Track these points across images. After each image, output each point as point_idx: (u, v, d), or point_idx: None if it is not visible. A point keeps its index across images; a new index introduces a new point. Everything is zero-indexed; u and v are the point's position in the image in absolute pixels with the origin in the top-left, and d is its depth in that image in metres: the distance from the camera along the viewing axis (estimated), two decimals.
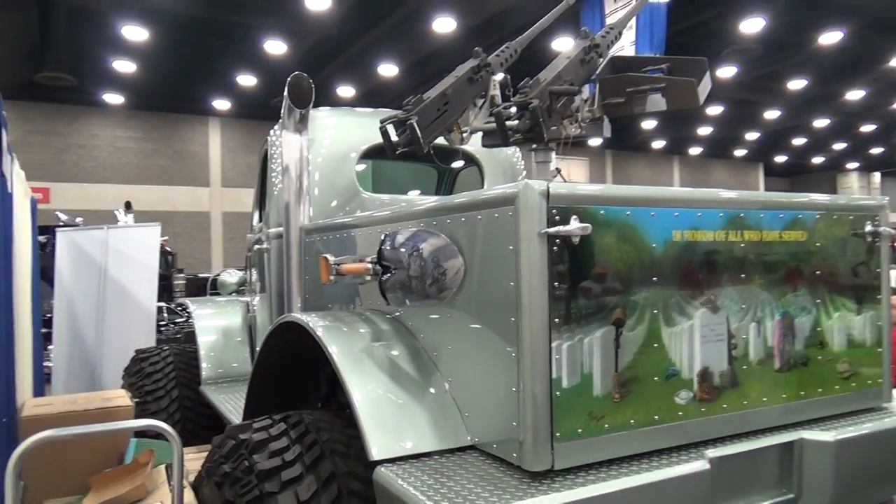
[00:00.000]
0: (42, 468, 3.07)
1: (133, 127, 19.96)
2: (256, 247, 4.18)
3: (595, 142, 26.39)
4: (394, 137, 2.56)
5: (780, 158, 31.52)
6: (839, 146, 28.75)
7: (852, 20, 13.91)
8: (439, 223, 2.13)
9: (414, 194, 4.47)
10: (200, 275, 15.02)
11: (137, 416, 3.72)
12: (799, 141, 27.66)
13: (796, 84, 18.65)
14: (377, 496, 1.87)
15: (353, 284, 2.78)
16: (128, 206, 10.75)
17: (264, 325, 4.02)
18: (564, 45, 12.89)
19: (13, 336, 3.39)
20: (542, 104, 2.25)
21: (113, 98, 18.63)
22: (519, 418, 1.78)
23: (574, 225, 1.76)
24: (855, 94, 19.76)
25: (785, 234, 2.23)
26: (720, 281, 2.09)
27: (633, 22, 11.98)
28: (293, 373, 2.97)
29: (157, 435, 3.70)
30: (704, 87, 2.58)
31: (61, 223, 9.82)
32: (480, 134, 2.85)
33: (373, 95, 17.56)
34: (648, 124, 23.57)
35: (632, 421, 1.90)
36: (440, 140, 2.74)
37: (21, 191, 4.81)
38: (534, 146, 2.62)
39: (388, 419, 2.01)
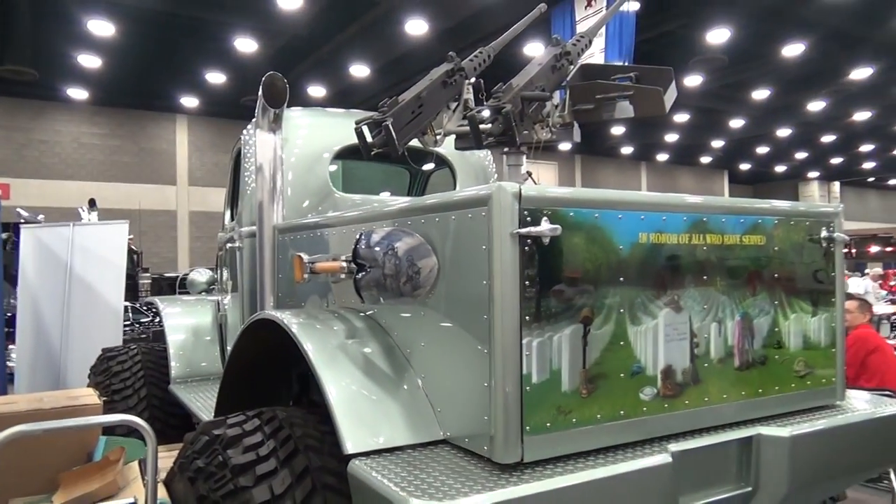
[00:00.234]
0: (8, 467, 3.03)
1: (98, 123, 19.62)
2: (228, 245, 4.18)
3: (565, 146, 26.70)
4: (369, 138, 2.61)
5: (745, 166, 32.24)
6: (801, 155, 29.50)
7: (813, 33, 14.32)
8: (414, 223, 2.18)
9: (385, 195, 4.50)
10: (167, 274, 14.85)
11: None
12: (762, 149, 28.33)
13: (760, 94, 19.13)
14: (352, 489, 1.91)
15: (325, 283, 2.81)
16: (92, 203, 10.59)
17: (235, 324, 4.02)
18: (536, 50, 13.04)
19: None
20: (514, 109, 2.31)
21: (77, 93, 18.29)
22: (490, 413, 1.84)
23: (545, 226, 1.83)
24: (816, 105, 20.32)
25: (745, 239, 2.32)
26: (683, 282, 2.18)
27: (602, 30, 12.18)
28: (265, 371, 2.99)
29: (127, 434, 3.70)
30: (670, 96, 2.68)
31: (22, 220, 9.64)
32: (454, 136, 2.90)
33: (344, 96, 17.53)
34: (617, 130, 23.92)
35: (598, 416, 1.97)
36: (414, 142, 2.79)
37: None
38: (506, 150, 2.68)
39: (361, 414, 2.05)
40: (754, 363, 2.35)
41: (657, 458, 1.96)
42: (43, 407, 3.41)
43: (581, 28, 12.21)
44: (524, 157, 2.77)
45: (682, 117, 21.92)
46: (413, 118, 2.61)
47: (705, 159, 30.83)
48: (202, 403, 3.94)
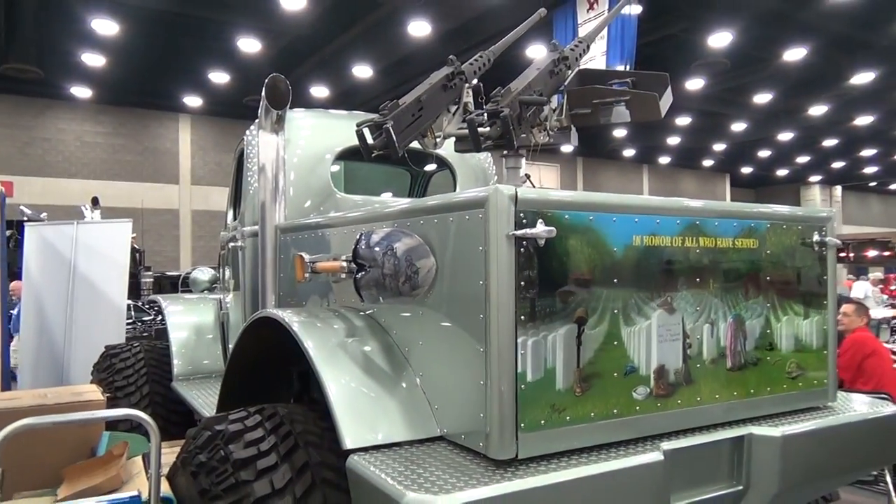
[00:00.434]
0: (13, 463, 3.08)
1: (102, 122, 19.67)
2: (231, 245, 4.23)
3: (566, 149, 26.72)
4: (370, 140, 2.65)
5: (746, 170, 32.25)
6: (803, 159, 29.51)
7: (816, 37, 14.35)
8: (413, 224, 2.23)
9: (386, 196, 4.55)
10: (169, 273, 14.89)
11: None
12: (764, 153, 28.35)
13: (762, 98, 19.16)
14: (350, 483, 1.96)
15: (326, 282, 2.86)
16: (94, 201, 10.64)
17: (237, 323, 4.06)
18: (538, 52, 13.07)
19: None
20: (512, 113, 2.36)
21: (81, 92, 18.35)
22: (486, 410, 1.88)
23: (540, 228, 1.87)
24: (818, 110, 20.34)
25: (738, 242, 2.37)
26: (677, 284, 2.22)
27: (604, 32, 12.21)
28: (266, 369, 3.04)
29: (130, 429, 3.75)
30: (666, 101, 2.72)
31: (26, 218, 9.69)
32: (453, 139, 2.95)
33: (347, 96, 17.58)
34: (619, 133, 23.95)
35: (592, 414, 2.02)
36: (415, 144, 2.84)
37: None
38: (504, 153, 2.73)
39: (361, 411, 2.10)
40: (746, 364, 2.39)
41: (649, 456, 2.00)
42: (47, 403, 3.47)
43: (583, 31, 12.27)
44: (523, 160, 2.81)
45: (683, 120, 21.95)
46: (413, 121, 2.66)
47: (707, 163, 30.85)
48: (204, 400, 3.99)
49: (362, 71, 16.14)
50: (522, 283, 1.89)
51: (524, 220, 1.89)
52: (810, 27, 13.75)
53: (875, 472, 4.97)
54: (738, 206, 2.42)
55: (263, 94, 3.34)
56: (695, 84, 17.21)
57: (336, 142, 3.94)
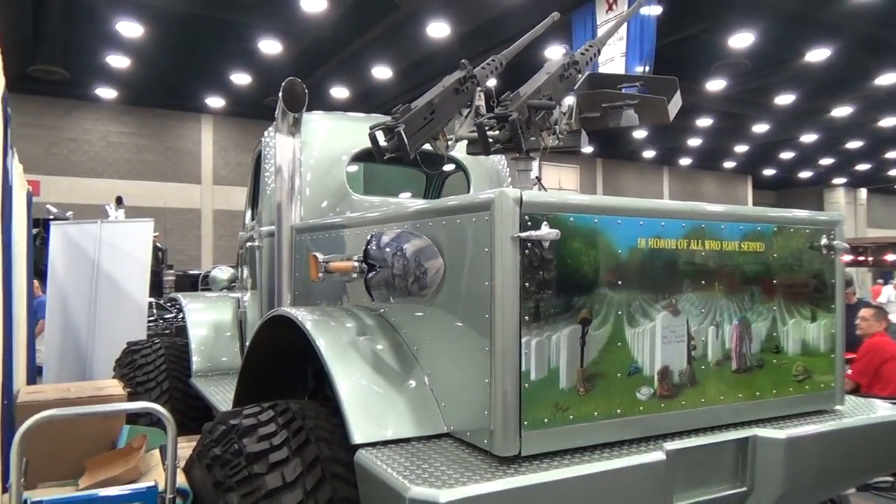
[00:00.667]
0: (36, 455, 3.18)
1: (126, 122, 20.00)
2: (248, 244, 4.31)
3: (586, 150, 26.65)
4: (382, 143, 2.71)
5: (769, 172, 31.93)
6: (826, 161, 29.17)
7: (840, 38, 14.19)
8: (422, 225, 2.28)
9: (405, 197, 4.62)
10: (190, 272, 15.10)
11: None
12: (786, 155, 28.06)
13: (784, 99, 18.97)
14: (358, 477, 2.02)
15: (340, 282, 2.92)
16: (119, 201, 10.83)
17: (254, 321, 4.14)
18: (555, 54, 13.08)
19: (12, 325, 3.50)
20: (521, 117, 2.40)
21: (106, 93, 18.67)
22: (490, 408, 1.93)
23: (545, 230, 1.92)
24: (842, 111, 20.10)
25: (744, 245, 2.39)
26: (681, 286, 2.25)
27: (623, 33, 12.20)
28: (281, 366, 3.10)
29: (150, 423, 3.84)
30: (675, 105, 2.75)
31: (52, 216, 9.90)
32: (465, 142, 3.00)
33: (366, 98, 17.72)
34: (639, 134, 23.84)
35: (595, 413, 2.06)
36: (427, 146, 2.89)
37: (18, 184, 4.92)
38: (515, 156, 2.77)
39: (370, 407, 2.16)
40: (752, 366, 2.41)
41: (651, 456, 2.03)
42: (70, 396, 3.57)
43: (602, 32, 12.25)
44: (534, 163, 2.86)
45: (704, 122, 21.80)
46: (425, 124, 2.71)
47: (728, 164, 30.60)
48: (221, 396, 4.07)
49: (381, 72, 16.25)
50: (527, 284, 1.93)
51: (529, 223, 1.93)
52: (833, 27, 13.60)
53: (893, 479, 4.94)
54: (744, 209, 2.44)
55: (280, 96, 3.41)
56: (716, 85, 17.09)
57: (352, 144, 4.01)
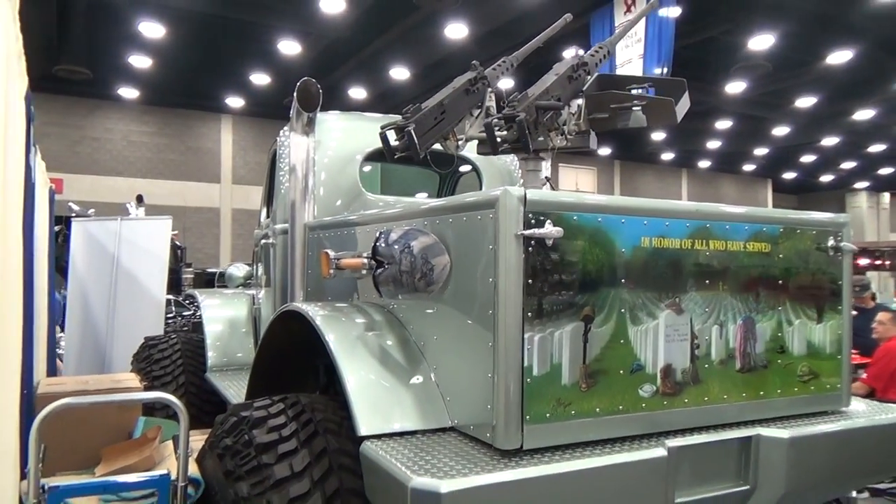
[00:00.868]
0: (55, 445, 3.27)
1: (147, 122, 20.26)
2: (263, 242, 4.38)
3: (604, 152, 26.57)
4: (393, 143, 2.76)
5: (789, 175, 31.60)
6: (848, 165, 28.80)
7: (862, 40, 14.04)
8: (429, 223, 2.32)
9: (421, 196, 4.67)
10: (209, 270, 15.28)
11: None
12: (807, 158, 27.74)
13: (805, 102, 18.78)
14: (363, 468, 2.06)
15: (351, 279, 2.97)
16: (139, 199, 10.99)
17: (268, 317, 4.21)
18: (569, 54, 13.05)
19: (33, 317, 3.60)
20: (528, 117, 2.44)
21: (128, 92, 18.93)
22: (493, 402, 1.97)
23: (548, 228, 1.95)
24: (864, 114, 19.85)
25: (749, 246, 2.41)
26: (685, 285, 2.27)
27: (641, 35, 12.16)
28: (294, 362, 3.16)
29: (166, 417, 3.92)
30: (682, 107, 2.77)
31: (74, 214, 10.07)
32: (476, 142, 3.04)
33: (384, 98, 17.81)
34: (658, 136, 23.72)
35: (597, 409, 2.09)
36: (438, 146, 2.93)
37: (41, 181, 5.04)
38: (524, 156, 2.81)
39: (376, 401, 2.20)
40: (756, 366, 2.43)
41: (652, 452, 2.06)
42: (88, 388, 3.66)
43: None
44: (543, 163, 2.89)
45: (724, 124, 21.64)
46: (435, 124, 2.76)
47: (748, 167, 30.32)
48: (235, 391, 4.14)
49: (399, 73, 16.33)
50: (530, 281, 1.97)
51: (533, 221, 1.97)
52: (856, 29, 13.45)
53: None
54: (749, 210, 2.46)
55: (295, 96, 3.47)
56: (735, 87, 16.98)
57: (366, 143, 4.06)
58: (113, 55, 15.51)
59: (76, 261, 7.03)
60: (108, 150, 19.74)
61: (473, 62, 2.99)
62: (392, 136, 2.77)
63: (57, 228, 8.51)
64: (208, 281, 12.78)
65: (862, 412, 2.64)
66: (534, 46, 3.45)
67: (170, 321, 9.17)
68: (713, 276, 2.33)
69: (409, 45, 14.59)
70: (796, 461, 2.30)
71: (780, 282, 2.49)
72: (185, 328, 7.72)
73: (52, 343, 6.20)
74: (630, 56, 12.38)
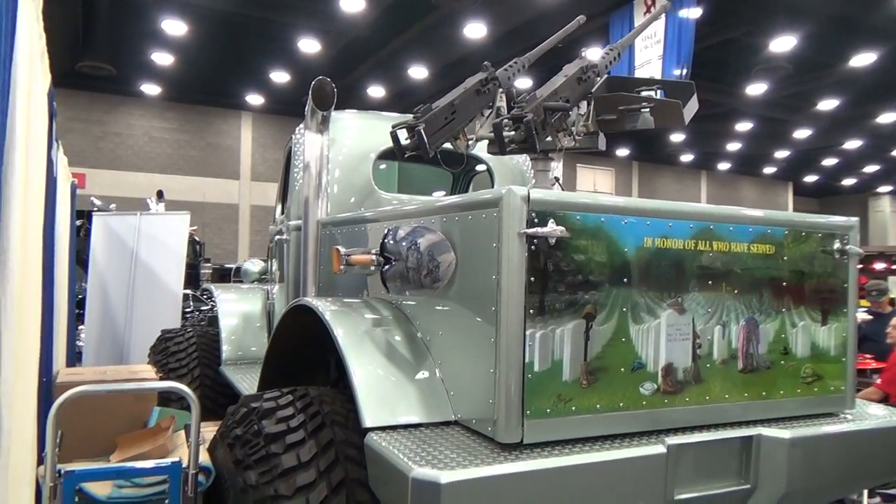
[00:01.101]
0: (72, 433, 3.36)
1: (168, 118, 20.51)
2: (277, 238, 4.45)
3: (622, 152, 26.46)
4: (403, 142, 2.81)
5: (810, 178, 31.27)
6: (871, 169, 28.44)
7: (886, 42, 13.87)
8: (436, 221, 2.37)
9: (439, 195, 4.72)
10: (227, 265, 15.46)
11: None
12: (829, 162, 27.44)
13: (827, 104, 18.59)
14: (367, 458, 2.12)
15: (361, 275, 3.02)
16: (160, 194, 11.16)
17: (281, 312, 4.28)
18: (594, 55, 13.04)
19: (53, 308, 3.70)
20: (536, 118, 2.47)
21: (150, 89, 19.18)
22: (495, 397, 2.01)
23: (551, 227, 1.99)
24: (888, 117, 19.60)
25: (753, 247, 2.42)
26: (688, 286, 2.30)
27: (661, 36, 12.11)
28: (306, 357, 3.22)
29: (181, 408, 4.00)
30: (690, 109, 2.79)
31: (96, 208, 10.25)
32: (487, 141, 3.08)
33: (402, 97, 17.89)
34: (677, 137, 23.58)
35: (598, 406, 2.12)
36: (448, 145, 2.98)
37: (63, 175, 5.15)
38: (533, 156, 2.84)
39: (382, 394, 2.26)
40: (759, 367, 2.44)
41: (651, 449, 2.09)
42: (106, 378, 3.75)
43: (640, 34, 12.18)
44: (552, 163, 2.92)
45: (744, 126, 21.48)
46: (445, 124, 2.79)
47: (769, 170, 30.04)
48: (249, 384, 4.21)
49: (418, 72, 16.40)
50: (532, 278, 2.01)
51: (535, 220, 2.00)
52: (879, 31, 13.29)
53: None
54: (754, 212, 2.47)
55: (310, 95, 3.53)
56: (756, 89, 16.85)
57: (380, 142, 4.11)
58: (136, 52, 15.73)
59: (96, 254, 7.17)
60: (130, 146, 20.02)
61: (485, 63, 3.02)
62: (403, 136, 2.82)
63: (79, 223, 8.67)
64: (227, 276, 12.92)
65: (866, 415, 2.64)
66: (547, 47, 3.47)
67: (188, 315, 9.31)
68: (716, 277, 2.35)
69: (428, 44, 14.65)
70: (797, 462, 2.32)
71: (785, 284, 2.50)
72: (202, 322, 7.84)
73: (72, 337, 6.33)
74: (649, 57, 12.33)
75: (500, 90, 3.05)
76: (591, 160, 25.52)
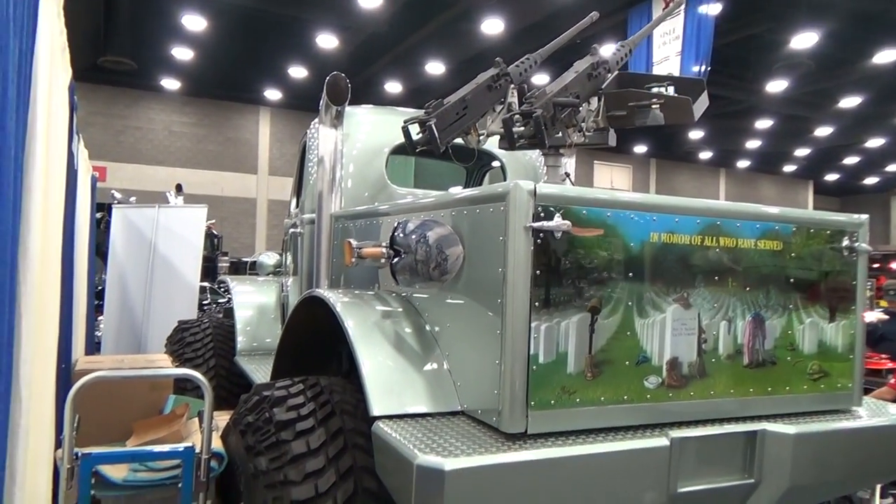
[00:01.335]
0: (90, 419, 3.44)
1: (188, 112, 20.73)
2: (291, 231, 4.51)
3: (640, 149, 26.32)
4: (415, 137, 2.85)
5: (831, 177, 30.91)
6: (894, 167, 28.07)
7: None
8: (445, 214, 2.41)
9: (455, 190, 4.75)
10: (244, 259, 15.60)
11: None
12: (851, 160, 27.13)
13: (849, 102, 18.39)
14: (374, 446, 2.16)
15: (372, 267, 3.06)
16: (178, 188, 11.29)
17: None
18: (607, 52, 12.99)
19: (73, 297, 3.78)
20: (545, 114, 2.50)
21: (170, 84, 19.39)
22: (500, 388, 2.04)
23: (556, 221, 2.02)
24: None
25: (761, 244, 2.43)
26: (694, 281, 2.31)
27: (680, 32, 12.02)
28: (319, 349, 3.27)
29: (197, 397, 4.08)
30: (700, 106, 2.80)
31: (116, 201, 10.40)
32: (498, 137, 3.11)
33: (419, 93, 17.91)
34: (695, 134, 23.41)
35: (602, 398, 2.15)
36: (460, 140, 3.01)
37: (83, 168, 5.24)
38: (545, 151, 2.87)
39: (390, 383, 2.30)
40: (765, 362, 2.45)
41: (654, 441, 2.11)
42: (123, 366, 3.83)
43: (658, 30, 12.11)
44: (563, 159, 2.95)
45: (764, 123, 21.29)
46: (457, 119, 2.83)
47: (789, 168, 29.74)
48: (262, 374, 4.27)
49: (435, 68, 16.44)
50: (538, 272, 2.03)
51: (542, 214, 2.03)
52: None
53: None
54: (761, 208, 2.48)
55: (324, 90, 3.58)
56: (776, 86, 16.70)
57: (393, 137, 4.14)
58: (156, 47, 15.91)
59: (116, 246, 7.29)
60: (150, 140, 20.26)
61: (497, 59, 3.05)
62: (414, 130, 2.86)
63: (99, 215, 8.82)
64: (239, 269, 13.06)
65: (873, 413, 2.65)
66: (558, 44, 3.49)
67: (206, 307, 9.43)
68: (723, 273, 2.37)
69: (446, 40, 14.68)
70: (802, 457, 2.33)
71: (792, 280, 2.51)
72: (219, 314, 7.95)
73: (91, 327, 6.45)
74: (667, 53, 12.25)
75: (512, 86, 3.08)
76: (608, 157, 25.41)
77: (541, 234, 2.03)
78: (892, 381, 5.69)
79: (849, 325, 2.63)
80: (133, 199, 10.81)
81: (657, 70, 11.82)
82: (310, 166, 4.21)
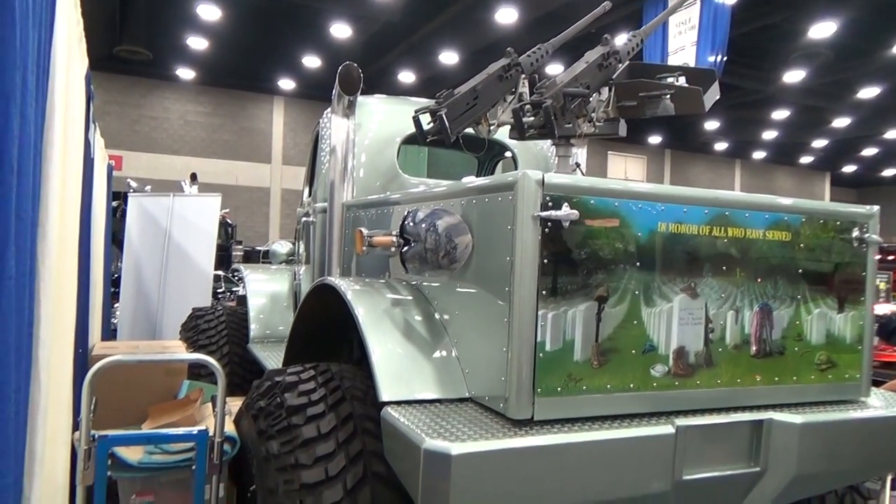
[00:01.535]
0: (106, 403, 3.51)
1: (202, 102, 20.84)
2: (304, 220, 4.56)
3: (655, 140, 26.15)
4: (426, 126, 2.87)
5: (849, 168, 30.58)
6: None
7: None
8: (455, 203, 2.43)
9: (470, 179, 4.77)
10: (258, 247, 15.73)
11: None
12: (869, 151, 26.81)
13: (868, 93, 18.17)
14: (383, 431, 2.20)
15: (383, 256, 3.09)
16: (193, 177, 11.38)
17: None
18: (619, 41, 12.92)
19: (89, 283, 3.85)
20: (555, 104, 2.51)
21: (185, 73, 19.50)
22: (507, 375, 2.07)
23: (564, 211, 2.04)
24: None
25: (769, 234, 2.44)
26: (701, 271, 2.32)
27: (696, 21, 11.91)
28: (329, 335, 3.32)
29: (211, 383, 4.14)
30: (711, 96, 2.80)
31: (132, 190, 10.51)
32: (509, 127, 3.12)
33: (433, 83, 17.89)
34: (711, 125, 23.23)
35: (608, 386, 2.17)
36: (470, 130, 3.03)
37: (100, 156, 5.31)
38: (555, 141, 2.88)
39: (399, 370, 2.33)
40: (772, 352, 2.46)
41: (659, 429, 2.13)
42: (138, 352, 3.89)
43: (673, 21, 12.01)
44: (573, 149, 2.96)
45: (780, 114, 21.09)
46: (467, 109, 2.85)
47: (806, 159, 29.45)
48: (275, 361, 4.33)
49: (449, 58, 16.41)
50: (545, 260, 2.06)
51: (550, 203, 2.05)
52: None
53: None
54: (770, 198, 2.48)
55: (337, 80, 3.60)
56: (794, 76, 16.54)
57: (405, 127, 4.16)
58: (171, 37, 16.00)
59: (131, 234, 7.38)
60: (165, 129, 20.40)
61: (508, 49, 3.06)
62: (425, 120, 2.88)
63: (115, 203, 8.91)
64: (252, 258, 13.16)
65: (881, 404, 2.65)
66: (570, 34, 3.49)
67: (220, 295, 9.53)
68: (730, 263, 2.38)
69: (459, 29, 14.65)
70: (808, 447, 2.34)
71: (801, 271, 2.51)
72: (232, 300, 8.03)
73: (108, 314, 6.54)
74: (683, 43, 12.15)
75: (523, 76, 3.09)
76: (622, 147, 25.29)
77: (549, 224, 2.05)
78: None
79: (857, 315, 2.63)
80: (148, 187, 10.91)
81: (672, 60, 11.73)
82: (322, 156, 4.24)
